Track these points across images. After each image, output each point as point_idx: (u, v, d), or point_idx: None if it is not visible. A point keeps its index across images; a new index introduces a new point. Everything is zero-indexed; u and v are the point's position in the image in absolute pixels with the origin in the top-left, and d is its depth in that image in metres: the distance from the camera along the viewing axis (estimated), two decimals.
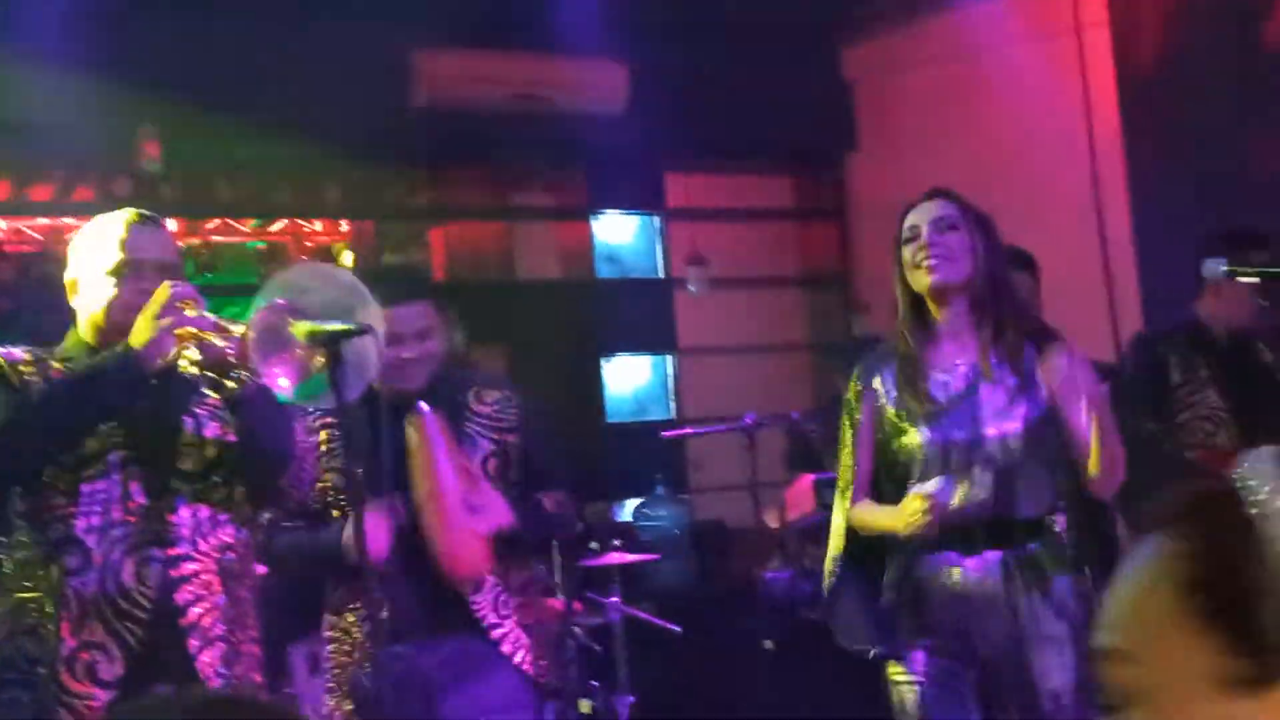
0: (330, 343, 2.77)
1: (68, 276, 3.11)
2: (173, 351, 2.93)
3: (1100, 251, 7.28)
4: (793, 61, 8.33)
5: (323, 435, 3.51)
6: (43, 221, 7.80)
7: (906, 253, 3.37)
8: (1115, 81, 7.19)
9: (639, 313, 8.50)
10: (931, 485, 3.21)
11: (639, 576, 6.18)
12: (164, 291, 2.89)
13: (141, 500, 2.97)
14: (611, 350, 8.53)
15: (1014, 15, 7.56)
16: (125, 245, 3.02)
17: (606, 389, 8.52)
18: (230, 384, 3.09)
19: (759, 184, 9.02)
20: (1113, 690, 0.96)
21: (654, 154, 8.26)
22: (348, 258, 8.46)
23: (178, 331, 2.88)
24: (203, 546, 3.03)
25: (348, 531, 3.27)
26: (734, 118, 8.08)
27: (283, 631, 4.60)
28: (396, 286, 3.45)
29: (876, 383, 3.43)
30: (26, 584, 2.95)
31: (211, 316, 2.93)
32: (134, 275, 3.01)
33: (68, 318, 3.13)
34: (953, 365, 3.34)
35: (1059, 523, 3.32)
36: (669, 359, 8.74)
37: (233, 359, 2.93)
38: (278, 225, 8.55)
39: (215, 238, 8.24)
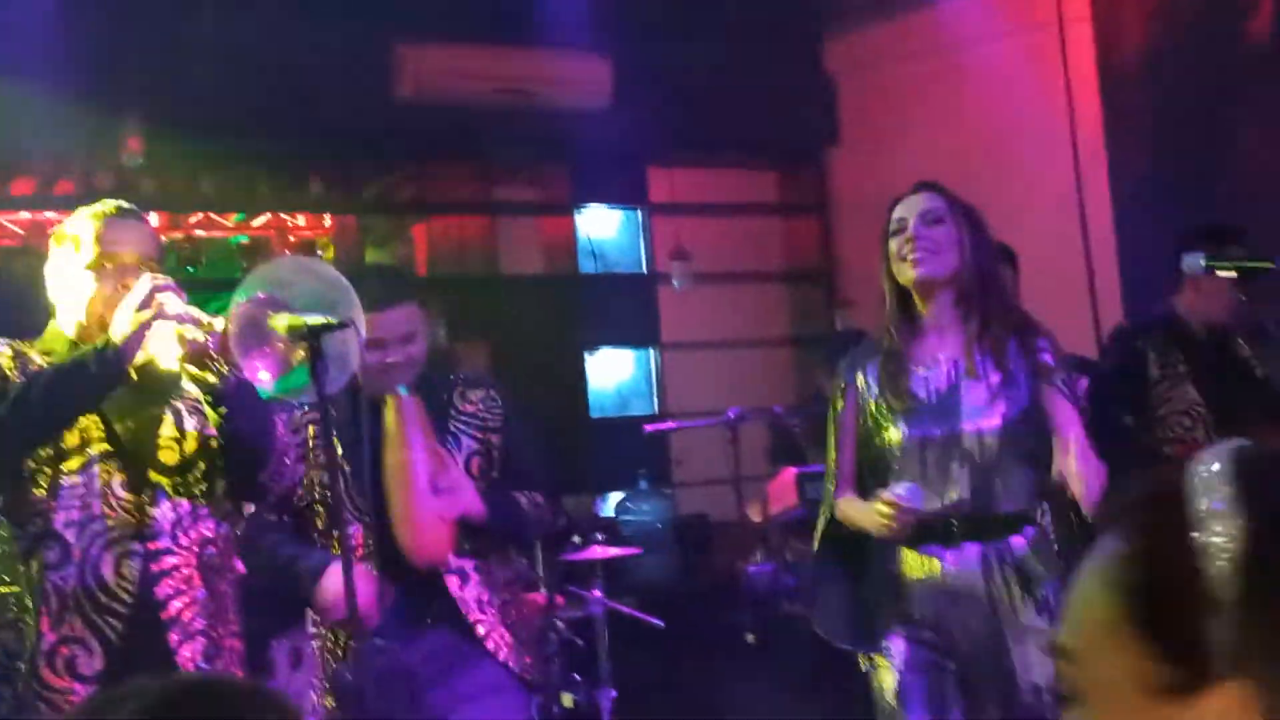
0: (311, 336, 2.76)
1: (47, 270, 3.10)
2: (154, 345, 2.92)
3: (1082, 246, 7.30)
4: (775, 56, 8.35)
5: (309, 431, 3.50)
6: (24, 215, 7.78)
7: (893, 245, 3.36)
8: (1097, 76, 7.21)
9: (622, 307, 8.51)
10: (901, 490, 3.21)
11: (622, 571, 6.19)
12: (144, 285, 2.88)
13: (121, 494, 2.97)
14: (595, 345, 8.54)
15: (996, 9, 7.58)
16: (104, 239, 3.01)
17: (590, 383, 8.52)
18: (211, 378, 3.08)
19: (742, 179, 9.03)
20: (1063, 686, 0.97)
21: (638, 149, 8.27)
22: (329, 252, 8.45)
23: (159, 325, 2.87)
24: (183, 541, 3.02)
25: (324, 583, 3.28)
26: (717, 113, 8.09)
27: (264, 626, 4.59)
28: (380, 289, 3.42)
29: (859, 378, 3.43)
30: (5, 578, 2.95)
31: (193, 309, 2.92)
32: (114, 269, 3.00)
33: (48, 311, 3.12)
34: (936, 360, 3.34)
35: (1044, 516, 3.33)
36: (652, 353, 8.75)
37: (213, 353, 2.92)
38: (260, 220, 8.53)
39: (198, 232, 8.22)
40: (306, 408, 3.42)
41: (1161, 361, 4.41)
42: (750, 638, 5.86)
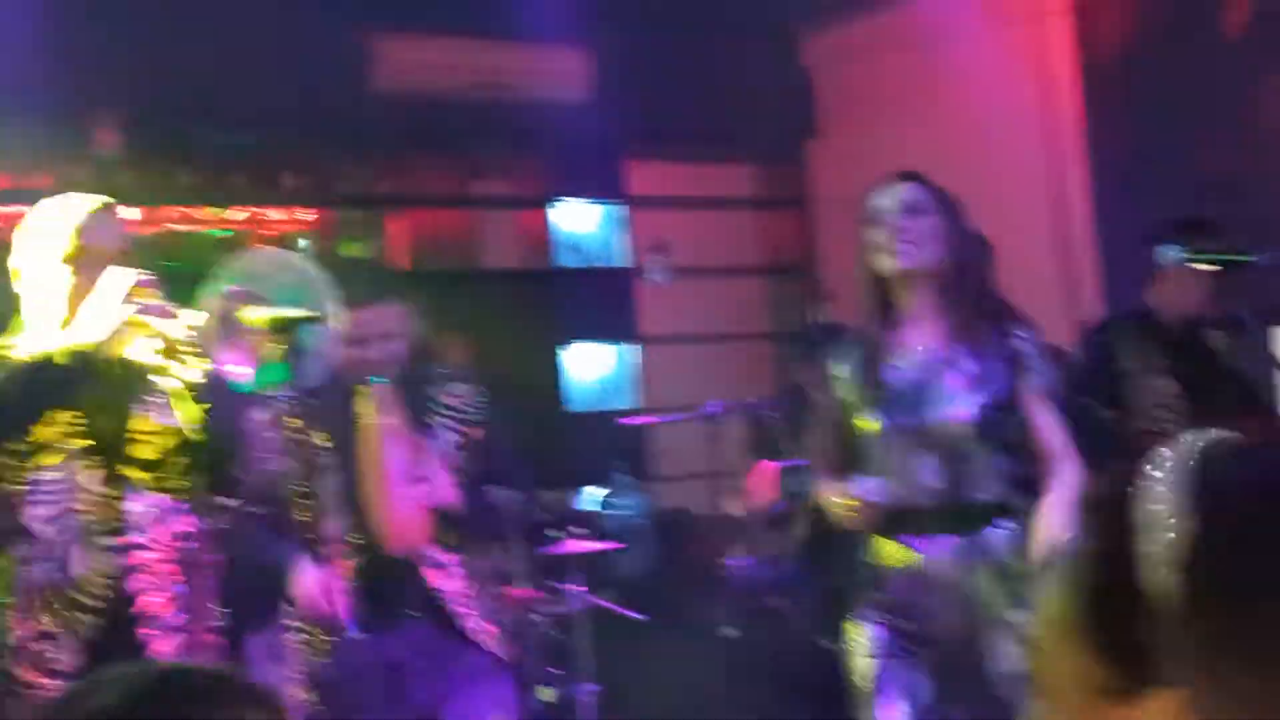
0: (287, 330, 2.75)
1: (15, 263, 3.07)
2: (127, 339, 2.90)
3: (1061, 239, 7.32)
4: (754, 50, 8.34)
5: (289, 423, 3.48)
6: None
7: (873, 236, 3.35)
8: (1077, 70, 7.23)
9: (601, 302, 8.49)
10: (864, 484, 3.22)
11: (601, 564, 6.18)
12: (119, 278, 2.86)
13: (97, 489, 2.95)
14: (573, 339, 8.52)
15: (975, 3, 7.58)
16: (79, 232, 2.99)
17: (568, 378, 8.51)
18: (187, 372, 3.06)
19: (721, 173, 9.02)
20: (1032, 677, 0.98)
21: (615, 142, 8.25)
22: (305, 246, 8.41)
23: (132, 319, 2.85)
24: (158, 535, 3.01)
25: (299, 578, 3.28)
26: (695, 106, 8.08)
27: (241, 621, 4.57)
28: (363, 286, 3.42)
29: (839, 369, 3.44)
30: None
31: (167, 303, 2.90)
32: (88, 262, 2.98)
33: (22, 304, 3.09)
34: (913, 350, 3.35)
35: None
36: (631, 348, 8.74)
37: (189, 347, 2.90)
38: (236, 213, 8.49)
39: (174, 226, 8.17)
40: (282, 400, 3.41)
41: (1135, 354, 4.42)
42: (729, 631, 5.86)
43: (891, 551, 3.31)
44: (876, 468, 3.30)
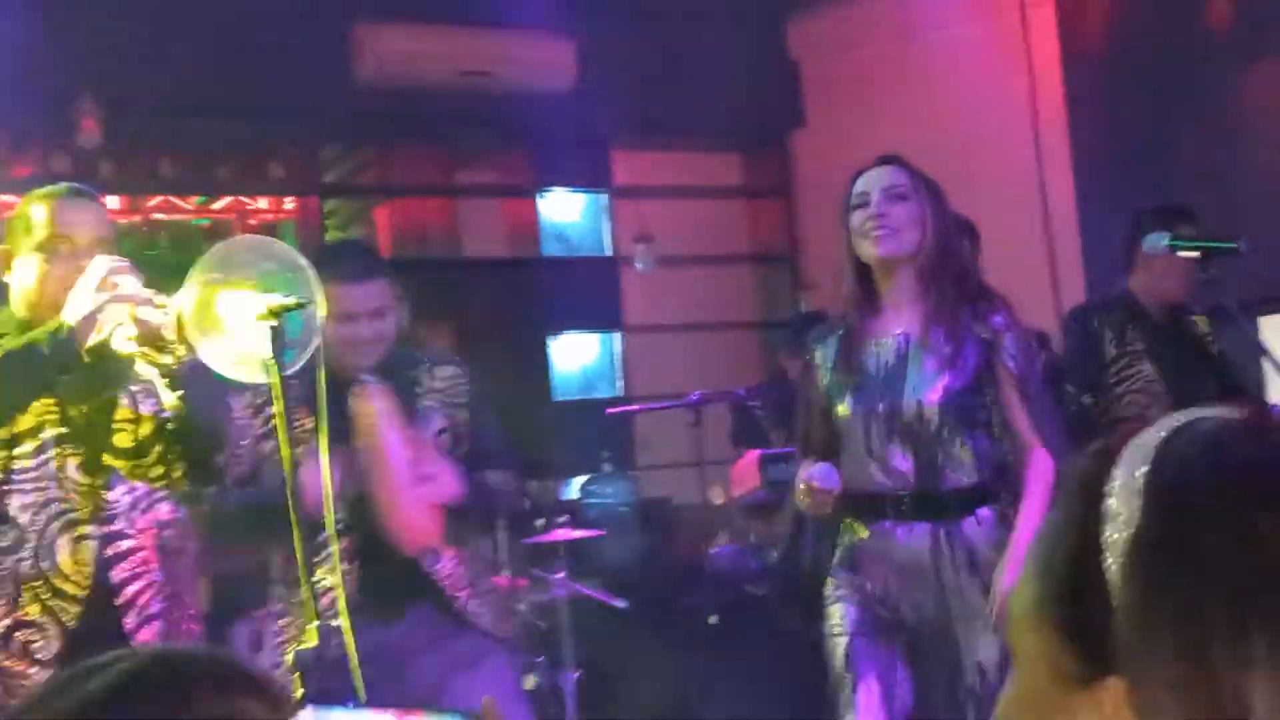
0: (270, 317, 2.74)
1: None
2: (108, 327, 2.90)
3: (1044, 227, 7.34)
4: (739, 39, 8.33)
5: (272, 410, 3.46)
6: None
7: (855, 219, 3.35)
8: (1060, 59, 7.24)
9: (586, 290, 8.49)
10: (812, 470, 3.23)
11: (585, 553, 6.18)
12: (99, 266, 2.86)
13: (77, 478, 2.95)
14: (559, 328, 8.52)
15: None
16: (58, 220, 2.99)
17: (554, 367, 8.51)
18: (167, 360, 3.06)
19: (706, 162, 9.01)
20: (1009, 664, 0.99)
21: (601, 131, 8.25)
22: (290, 235, 8.40)
23: (113, 307, 2.85)
24: (140, 524, 3.01)
25: (302, 474, 3.23)
26: (681, 95, 8.07)
27: (224, 608, 4.57)
28: (352, 263, 3.40)
29: (819, 355, 3.45)
30: None
31: (147, 291, 2.89)
32: (67, 250, 2.97)
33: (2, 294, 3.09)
34: (890, 335, 3.35)
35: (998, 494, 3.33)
36: (616, 337, 8.74)
37: (169, 334, 2.90)
38: (221, 203, 8.47)
39: (157, 215, 8.16)
40: (264, 388, 3.39)
41: (1118, 340, 4.44)
42: (713, 619, 5.87)
43: (865, 536, 3.32)
44: (852, 454, 3.30)
